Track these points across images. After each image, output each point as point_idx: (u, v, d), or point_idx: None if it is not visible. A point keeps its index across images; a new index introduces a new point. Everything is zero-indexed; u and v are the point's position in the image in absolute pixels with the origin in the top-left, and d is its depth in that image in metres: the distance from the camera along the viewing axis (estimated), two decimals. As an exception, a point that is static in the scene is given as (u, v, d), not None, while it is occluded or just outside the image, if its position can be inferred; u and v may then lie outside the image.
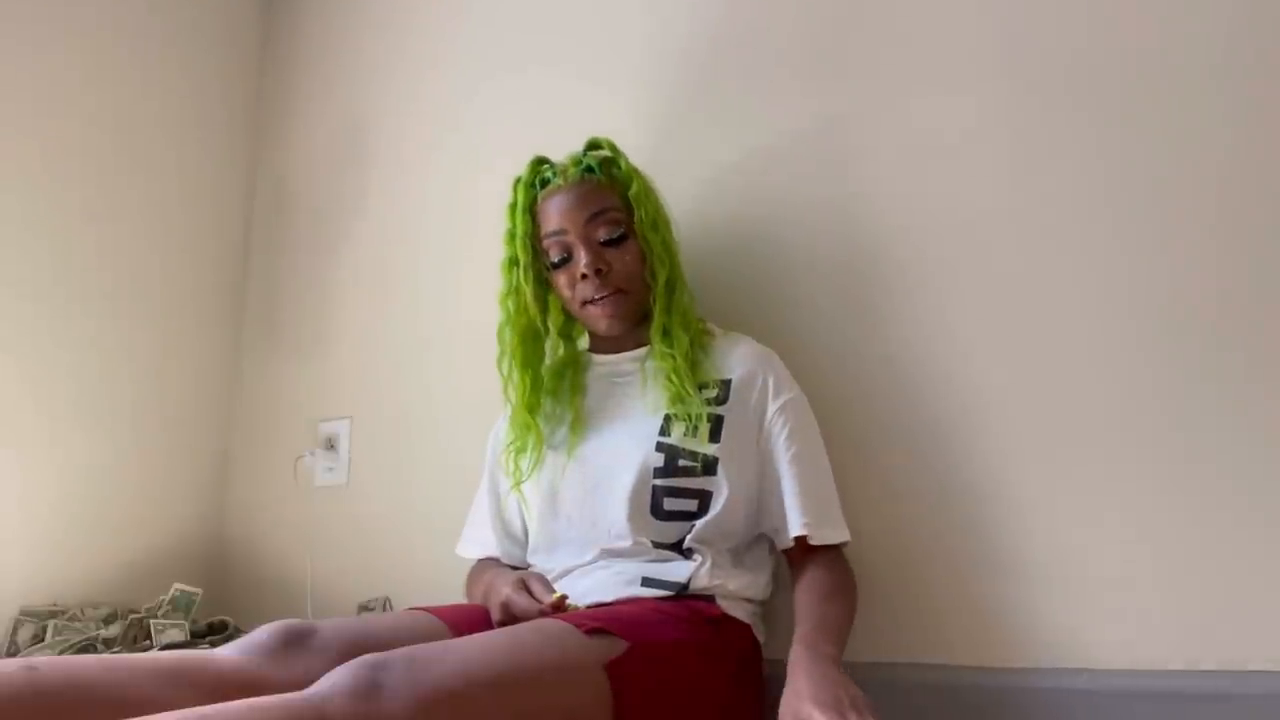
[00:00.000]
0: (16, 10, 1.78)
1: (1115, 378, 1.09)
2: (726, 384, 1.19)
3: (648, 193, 1.26)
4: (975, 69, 1.24)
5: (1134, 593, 1.04)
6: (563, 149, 1.31)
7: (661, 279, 1.23)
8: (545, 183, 1.27)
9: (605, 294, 1.22)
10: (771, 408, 1.18)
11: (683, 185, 1.37)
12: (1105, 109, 1.14)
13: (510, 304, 1.29)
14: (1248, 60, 1.07)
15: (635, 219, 1.24)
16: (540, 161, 1.29)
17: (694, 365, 1.19)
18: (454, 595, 1.31)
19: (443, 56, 1.87)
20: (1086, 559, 1.07)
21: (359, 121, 1.98)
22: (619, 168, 1.27)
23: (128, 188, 1.91)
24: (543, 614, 1.02)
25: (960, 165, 1.23)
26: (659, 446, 1.16)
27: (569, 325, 1.33)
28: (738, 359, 1.22)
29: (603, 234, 1.22)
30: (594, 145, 1.30)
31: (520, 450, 1.25)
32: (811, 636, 0.99)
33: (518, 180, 1.29)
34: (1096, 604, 1.06)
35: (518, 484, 1.24)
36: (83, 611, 1.65)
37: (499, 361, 1.29)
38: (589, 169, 1.25)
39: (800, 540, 1.12)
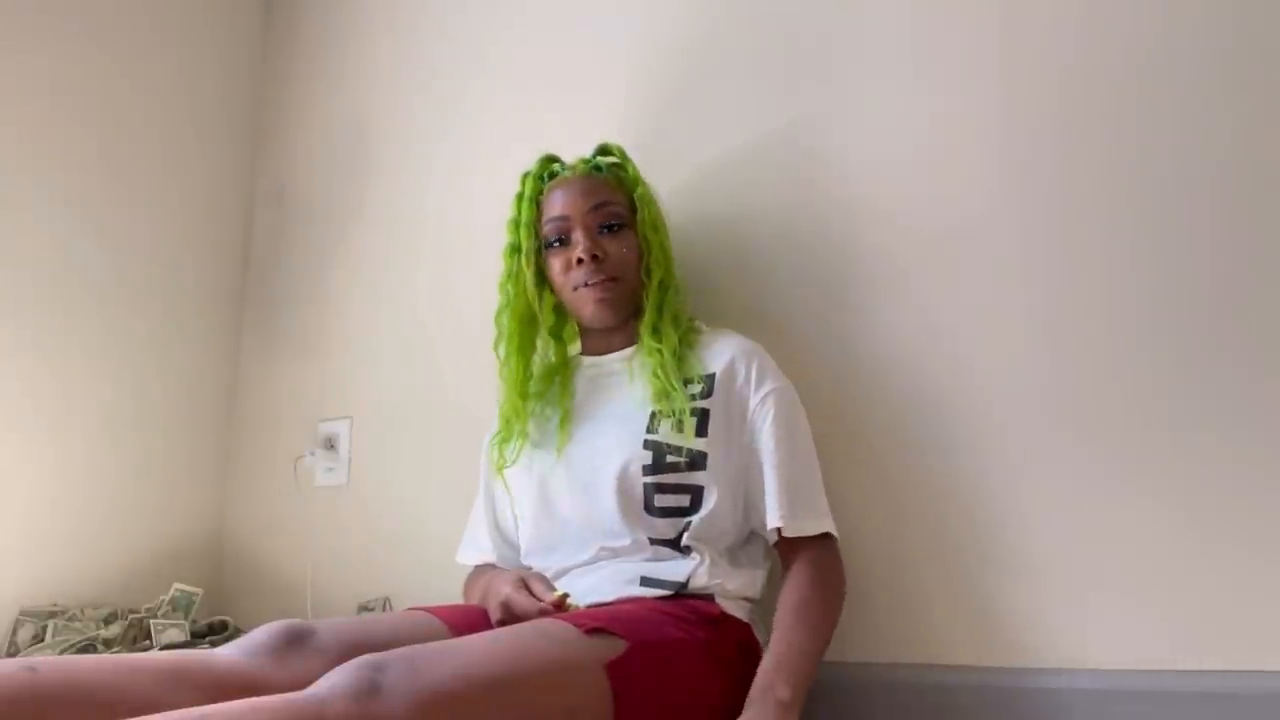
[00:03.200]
0: (17, 12, 1.78)
1: (1114, 376, 1.09)
2: (710, 378, 1.19)
3: (652, 198, 1.29)
4: (960, 65, 1.24)
5: (1134, 592, 1.04)
6: (554, 152, 1.33)
7: (656, 278, 1.24)
8: (553, 176, 1.30)
9: (599, 279, 1.22)
10: (754, 399, 1.17)
11: (667, 186, 1.37)
12: (1093, 103, 1.14)
13: (510, 288, 1.30)
14: (1244, 58, 1.07)
15: (637, 218, 1.26)
16: (550, 159, 1.33)
17: (680, 361, 1.19)
18: (454, 595, 1.31)
19: (441, 60, 1.87)
20: (1086, 558, 1.07)
21: (359, 123, 1.98)
22: (626, 172, 1.30)
23: (129, 188, 1.91)
24: (543, 613, 1.02)
25: (946, 162, 1.23)
26: (646, 443, 1.16)
27: (560, 324, 1.33)
28: (721, 352, 1.21)
29: (602, 221, 1.24)
30: (604, 150, 1.33)
31: (505, 440, 1.26)
32: (770, 677, 0.99)
33: (526, 174, 1.32)
34: (1096, 603, 1.06)
35: (500, 470, 1.26)
36: (83, 611, 1.65)
37: (495, 345, 1.30)
38: (597, 168, 1.29)
39: (779, 533, 1.12)
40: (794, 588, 1.08)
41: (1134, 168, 1.11)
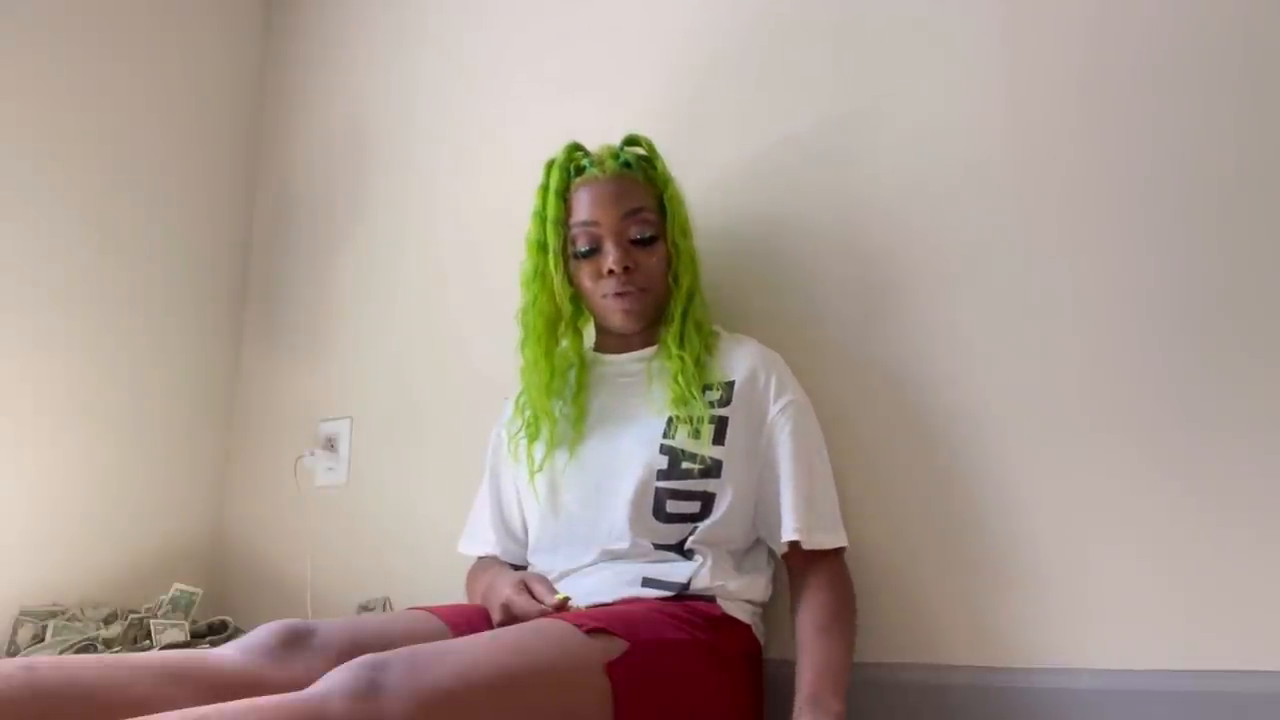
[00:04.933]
0: (18, 11, 1.78)
1: (1116, 379, 1.09)
2: (730, 385, 1.19)
3: (680, 198, 1.26)
4: (981, 69, 1.24)
5: (1134, 593, 1.04)
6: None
7: (685, 285, 1.23)
8: (580, 170, 1.25)
9: (629, 291, 1.21)
10: (773, 410, 1.17)
11: (692, 186, 1.35)
12: (1109, 108, 1.14)
13: (535, 287, 1.26)
14: (1249, 58, 1.07)
15: (666, 223, 1.24)
16: (576, 147, 1.27)
17: (700, 368, 1.18)
18: (454, 595, 1.31)
19: (444, 58, 1.87)
20: (1087, 559, 1.07)
21: (360, 122, 1.98)
22: (655, 168, 1.26)
23: (129, 188, 1.91)
24: (544, 615, 1.02)
25: (966, 166, 1.23)
26: (663, 449, 1.16)
27: (576, 315, 1.30)
28: (741, 360, 1.21)
29: (634, 232, 1.21)
30: (632, 141, 1.28)
31: (533, 438, 1.24)
32: (816, 690, 0.98)
33: (551, 162, 1.26)
34: (1097, 604, 1.06)
35: (533, 475, 1.23)
36: (83, 611, 1.65)
37: (522, 345, 1.27)
38: (626, 164, 1.24)
39: (794, 545, 1.12)
40: (821, 602, 1.08)
41: (1151, 166, 1.10)
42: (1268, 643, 0.96)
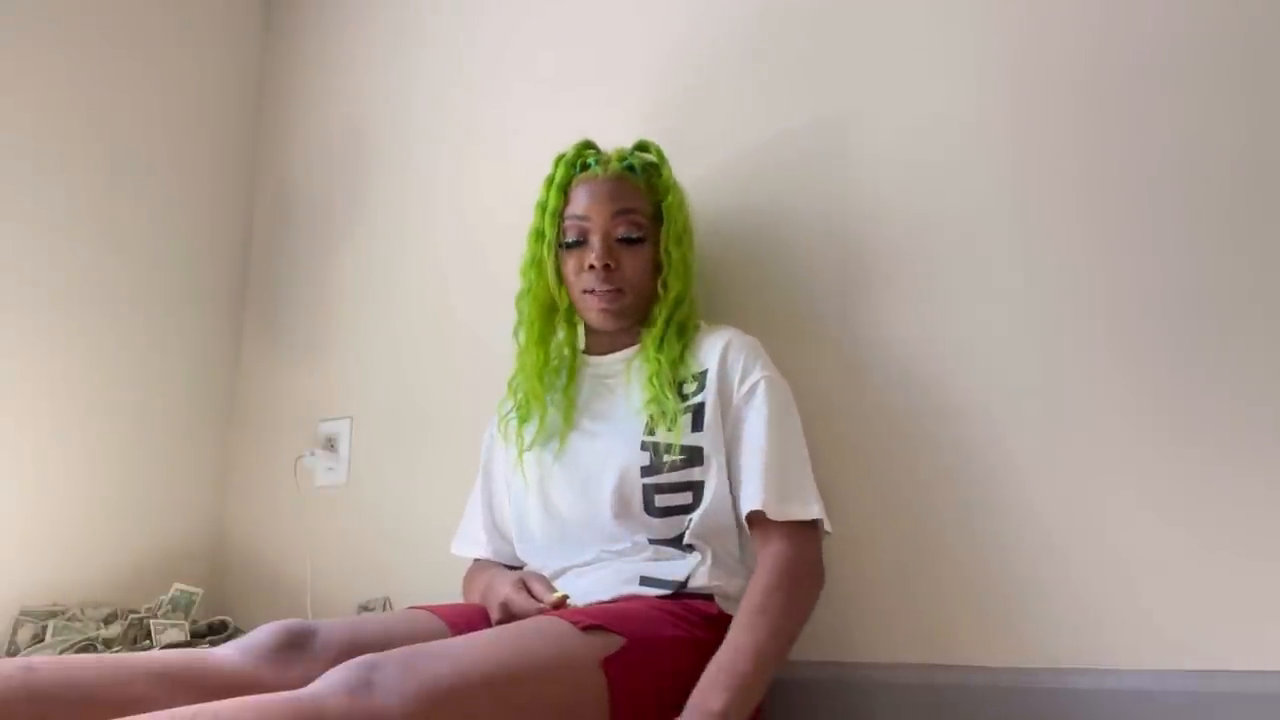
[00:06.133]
0: (19, 10, 1.78)
1: (1125, 376, 1.08)
2: (704, 374, 1.19)
3: (680, 206, 1.27)
4: (974, 65, 1.24)
5: (1141, 593, 1.04)
6: (566, 147, 1.30)
7: (673, 293, 1.23)
8: (586, 167, 1.27)
9: (606, 289, 1.22)
10: (741, 389, 1.16)
11: (684, 182, 1.35)
12: (1104, 106, 1.14)
13: (532, 274, 1.28)
14: (1248, 58, 1.07)
15: (661, 229, 1.24)
16: (587, 145, 1.30)
17: (675, 368, 1.19)
18: (454, 595, 1.32)
19: (443, 59, 1.87)
20: (1093, 559, 1.07)
21: (359, 122, 1.98)
22: (660, 175, 1.28)
23: (129, 188, 1.92)
24: (542, 614, 1.02)
25: (958, 162, 1.23)
26: (644, 444, 1.16)
27: (572, 310, 1.30)
28: (714, 347, 1.21)
29: (621, 232, 1.22)
30: (642, 147, 1.31)
31: (524, 420, 1.25)
32: (707, 684, 0.93)
33: (560, 157, 1.29)
34: (1103, 604, 1.06)
35: (521, 454, 1.24)
36: (83, 611, 1.65)
37: (515, 330, 1.29)
38: (630, 167, 1.26)
39: (760, 519, 1.08)
40: (761, 580, 1.03)
41: (1151, 163, 1.10)
42: (1275, 643, 0.96)
